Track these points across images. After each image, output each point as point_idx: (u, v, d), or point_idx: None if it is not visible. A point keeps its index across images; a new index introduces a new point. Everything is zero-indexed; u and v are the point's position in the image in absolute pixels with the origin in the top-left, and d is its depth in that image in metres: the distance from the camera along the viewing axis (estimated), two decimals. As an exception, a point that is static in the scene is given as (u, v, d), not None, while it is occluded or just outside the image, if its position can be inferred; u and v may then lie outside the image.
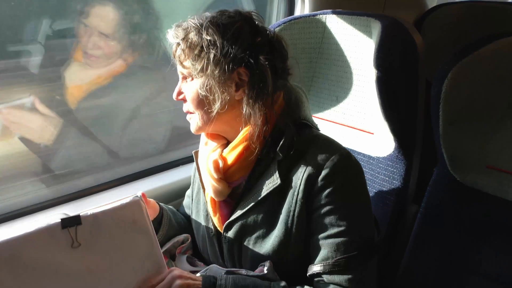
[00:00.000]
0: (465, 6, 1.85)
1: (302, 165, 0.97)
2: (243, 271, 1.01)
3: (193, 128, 1.05)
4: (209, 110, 0.99)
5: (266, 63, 0.97)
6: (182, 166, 1.59)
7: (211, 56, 0.95)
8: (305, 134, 1.03)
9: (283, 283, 0.95)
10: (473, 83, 1.00)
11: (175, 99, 1.05)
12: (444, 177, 1.15)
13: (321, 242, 0.96)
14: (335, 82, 1.36)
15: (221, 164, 1.02)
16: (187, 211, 1.27)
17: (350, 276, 0.94)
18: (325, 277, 0.96)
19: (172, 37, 1.01)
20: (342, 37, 1.32)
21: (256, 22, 1.01)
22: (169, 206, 1.27)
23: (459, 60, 0.97)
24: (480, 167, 1.09)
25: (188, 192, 1.28)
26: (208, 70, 0.96)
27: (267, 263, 0.99)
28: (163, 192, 1.45)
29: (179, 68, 1.02)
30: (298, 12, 1.61)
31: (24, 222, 1.22)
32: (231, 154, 1.02)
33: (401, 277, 1.23)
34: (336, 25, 1.32)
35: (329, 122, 1.41)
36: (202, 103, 0.99)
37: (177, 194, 1.45)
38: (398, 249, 1.26)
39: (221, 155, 1.04)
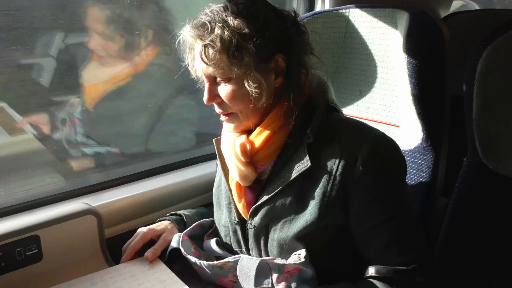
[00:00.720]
0: (480, 15, 1.87)
1: (335, 148, 0.95)
2: (279, 260, 0.97)
3: (233, 128, 1.02)
4: (254, 106, 0.96)
5: (300, 44, 0.95)
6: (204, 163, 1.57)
7: (250, 50, 0.91)
8: (334, 117, 1.01)
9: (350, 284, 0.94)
10: (508, 64, 0.99)
11: (207, 103, 1.00)
12: (475, 167, 1.12)
13: (377, 228, 0.93)
14: (358, 76, 1.35)
15: (248, 148, 0.99)
16: None
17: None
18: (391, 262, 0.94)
19: (193, 39, 0.95)
20: (366, 30, 1.31)
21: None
22: (199, 209, 1.26)
23: (493, 40, 0.96)
24: (514, 152, 1.06)
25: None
26: (250, 65, 0.92)
27: (303, 252, 0.96)
28: (187, 186, 1.43)
29: (208, 70, 0.96)
30: (318, 8, 1.61)
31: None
32: (259, 137, 0.99)
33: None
34: (360, 18, 1.32)
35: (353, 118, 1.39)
36: (246, 100, 0.96)
37: (201, 190, 1.42)
38: (428, 244, 1.22)
39: (248, 138, 1.01)
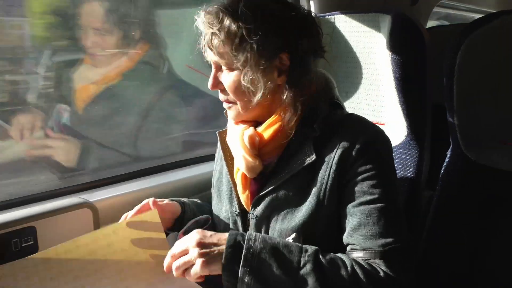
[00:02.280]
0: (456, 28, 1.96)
1: (335, 141, 0.98)
2: None
3: (233, 117, 1.06)
4: (252, 100, 0.99)
5: (307, 45, 0.98)
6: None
7: (254, 46, 0.93)
8: (338, 113, 1.05)
9: (315, 247, 0.92)
10: (486, 56, 1.06)
11: (211, 89, 1.03)
12: (457, 158, 1.18)
13: (353, 209, 0.95)
14: (345, 79, 1.41)
15: (257, 140, 1.02)
16: None
17: (384, 242, 0.91)
18: (358, 246, 0.93)
19: (204, 25, 0.98)
20: (351, 35, 1.38)
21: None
22: (193, 200, 1.26)
23: (471, 33, 1.03)
24: (495, 143, 1.12)
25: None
26: (252, 61, 0.94)
27: (293, 235, 0.98)
28: (185, 184, 1.46)
29: (214, 58, 0.99)
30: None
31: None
32: (267, 131, 1.02)
33: (419, 263, 1.22)
34: (345, 24, 1.39)
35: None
36: (244, 93, 0.99)
37: (200, 188, 1.45)
38: (413, 235, 1.26)
39: (256, 131, 1.03)
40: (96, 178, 1.40)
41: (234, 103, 1.03)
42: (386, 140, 1.02)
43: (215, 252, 0.88)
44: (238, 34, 0.93)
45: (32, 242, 1.05)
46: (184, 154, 1.74)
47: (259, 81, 0.96)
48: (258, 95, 0.97)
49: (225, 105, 1.06)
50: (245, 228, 1.08)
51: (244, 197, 1.06)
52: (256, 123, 1.06)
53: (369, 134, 0.98)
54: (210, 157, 1.61)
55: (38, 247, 1.06)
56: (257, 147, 1.02)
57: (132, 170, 1.50)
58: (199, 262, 0.87)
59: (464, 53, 1.04)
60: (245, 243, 0.88)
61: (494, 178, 1.12)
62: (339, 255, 0.93)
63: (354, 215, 0.95)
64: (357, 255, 0.92)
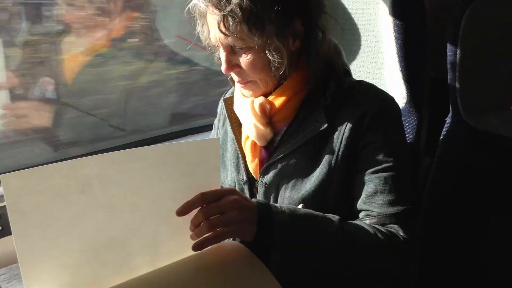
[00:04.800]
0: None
1: (348, 109, 0.98)
2: None
3: (251, 94, 1.02)
4: (275, 73, 0.96)
5: (317, 9, 0.96)
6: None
7: (271, 17, 0.89)
8: (348, 80, 1.04)
9: (337, 216, 0.92)
10: (490, 21, 1.05)
11: (226, 73, 0.99)
12: (457, 125, 1.19)
13: (368, 177, 0.96)
14: (344, 46, 1.38)
15: (268, 108, 1.00)
16: None
17: (398, 211, 0.93)
18: (375, 212, 0.94)
19: (209, 8, 0.91)
20: (349, 1, 1.36)
21: None
22: None
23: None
24: (495, 109, 1.13)
25: None
26: (271, 33, 0.91)
27: (300, 206, 0.97)
28: None
29: (227, 40, 0.93)
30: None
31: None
32: (279, 99, 1.00)
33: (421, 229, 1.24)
34: (344, -9, 1.37)
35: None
36: (266, 69, 0.96)
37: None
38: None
39: (267, 99, 1.01)
40: (90, 150, 1.38)
41: (251, 81, 1.00)
42: (397, 107, 1.03)
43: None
44: (253, 10, 0.88)
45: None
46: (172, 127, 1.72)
47: (282, 51, 0.93)
48: (283, 67, 0.95)
49: (239, 84, 1.02)
50: (252, 196, 1.08)
51: (253, 165, 1.05)
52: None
53: (381, 101, 0.98)
54: (206, 128, 1.60)
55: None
56: (268, 115, 1.01)
57: (126, 142, 1.48)
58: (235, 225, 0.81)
59: (468, 18, 1.04)
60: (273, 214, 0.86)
61: (494, 144, 1.14)
62: (357, 222, 0.94)
63: (369, 183, 0.95)
64: (372, 220, 0.93)
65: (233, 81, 1.07)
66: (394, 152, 0.96)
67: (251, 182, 1.07)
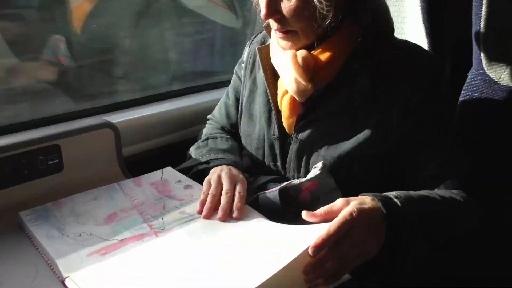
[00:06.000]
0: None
1: (395, 75, 0.94)
2: (295, 181, 0.96)
3: (289, 46, 0.96)
4: (319, 23, 0.89)
5: None
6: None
7: None
8: (394, 40, 1.00)
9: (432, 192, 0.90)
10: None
11: (265, 19, 0.93)
12: (479, 79, 1.17)
13: (423, 146, 0.95)
14: None
15: (311, 63, 0.95)
16: (227, 121, 1.25)
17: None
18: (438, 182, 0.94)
19: None
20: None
21: None
22: (230, 145, 1.18)
23: None
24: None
25: (229, 101, 1.24)
26: None
27: (320, 164, 0.96)
28: (206, 108, 1.43)
29: None
30: None
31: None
32: (324, 54, 0.94)
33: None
34: None
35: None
36: (311, 18, 0.89)
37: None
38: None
39: (311, 54, 0.95)
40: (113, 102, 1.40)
41: (291, 31, 0.94)
42: (442, 69, 0.99)
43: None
44: None
45: (57, 161, 1.05)
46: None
47: (332, 0, 0.88)
48: (329, 18, 0.89)
49: (278, 34, 0.96)
50: (283, 151, 1.06)
51: (289, 121, 1.02)
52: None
53: (432, 66, 0.96)
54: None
55: (63, 166, 1.06)
56: (311, 71, 0.95)
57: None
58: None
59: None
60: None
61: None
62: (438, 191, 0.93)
63: (426, 153, 0.95)
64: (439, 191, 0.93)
65: (269, 30, 1.03)
66: (445, 121, 0.97)
67: (282, 137, 1.05)
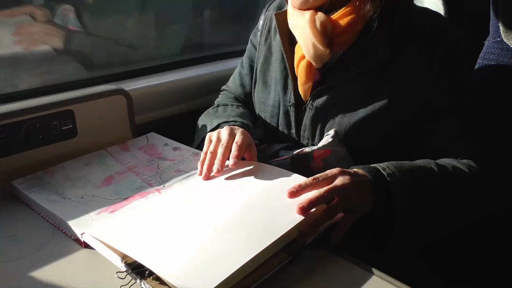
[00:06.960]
0: None
1: (414, 45, 0.93)
2: (307, 149, 0.97)
3: (301, 4, 0.94)
4: None
5: None
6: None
7: None
8: (413, 8, 0.98)
9: (430, 161, 0.92)
10: None
11: None
12: (496, 46, 1.16)
13: (441, 118, 0.95)
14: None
15: (330, 28, 0.92)
16: (241, 90, 1.24)
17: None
18: (454, 155, 0.95)
19: None
20: None
21: None
22: (241, 111, 1.18)
23: None
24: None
25: (243, 70, 1.24)
26: None
27: (332, 132, 0.97)
28: (219, 77, 1.45)
29: None
30: None
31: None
32: (344, 19, 0.92)
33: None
34: None
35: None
36: None
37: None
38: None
39: (330, 18, 0.93)
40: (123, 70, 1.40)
41: None
42: (462, 40, 0.97)
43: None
44: None
45: (71, 126, 1.06)
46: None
47: None
48: None
49: None
50: (298, 118, 1.05)
51: (305, 87, 1.00)
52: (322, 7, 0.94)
53: (452, 36, 0.94)
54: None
55: (77, 132, 1.07)
56: (329, 36, 0.93)
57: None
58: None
59: None
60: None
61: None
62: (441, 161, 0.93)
63: (443, 123, 0.95)
64: (453, 162, 0.93)
65: None
66: (464, 92, 0.96)
67: (298, 104, 1.04)
